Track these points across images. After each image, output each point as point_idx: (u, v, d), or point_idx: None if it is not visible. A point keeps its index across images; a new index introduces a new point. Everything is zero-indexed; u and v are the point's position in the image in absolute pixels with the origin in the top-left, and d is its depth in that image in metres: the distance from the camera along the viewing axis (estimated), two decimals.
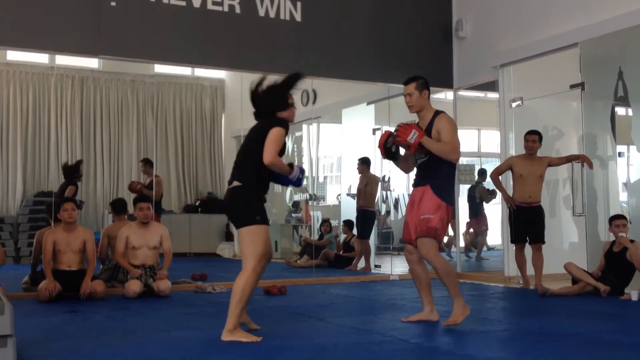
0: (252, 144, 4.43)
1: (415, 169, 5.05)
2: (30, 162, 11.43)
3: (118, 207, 8.07)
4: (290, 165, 4.50)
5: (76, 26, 7.03)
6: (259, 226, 4.32)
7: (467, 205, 10.54)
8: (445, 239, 11.99)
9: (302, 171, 4.56)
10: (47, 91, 11.63)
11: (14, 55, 11.05)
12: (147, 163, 9.60)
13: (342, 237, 10.75)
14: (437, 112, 4.94)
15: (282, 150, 4.41)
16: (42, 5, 6.89)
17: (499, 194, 8.11)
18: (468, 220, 10.73)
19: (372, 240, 10.09)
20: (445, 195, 4.83)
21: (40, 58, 11.31)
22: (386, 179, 10.61)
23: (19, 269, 8.95)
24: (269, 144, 4.29)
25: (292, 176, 4.45)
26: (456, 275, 4.75)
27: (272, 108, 4.50)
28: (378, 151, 5.18)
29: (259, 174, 4.39)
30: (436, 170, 4.84)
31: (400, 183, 11.42)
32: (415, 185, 5.00)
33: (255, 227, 4.31)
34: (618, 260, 6.40)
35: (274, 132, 4.31)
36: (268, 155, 4.28)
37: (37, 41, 7.01)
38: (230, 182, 4.50)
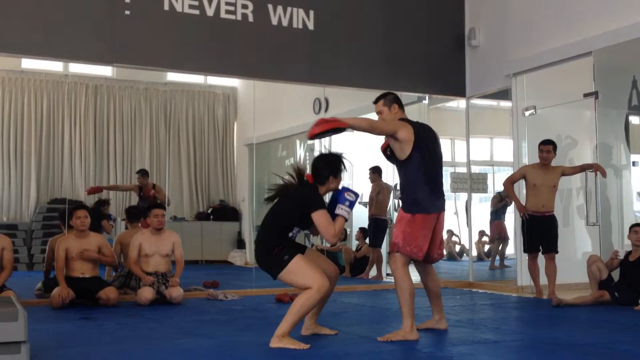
0: (280, 207, 4.57)
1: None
2: (44, 170, 11.51)
3: (132, 214, 8.11)
4: (338, 214, 4.51)
5: (90, 34, 7.08)
6: (291, 262, 4.35)
7: (484, 214, 10.59)
8: (457, 248, 12.03)
9: (344, 198, 4.53)
10: (61, 99, 11.71)
11: (29, 64, 11.15)
12: (144, 174, 9.66)
13: (355, 243, 10.76)
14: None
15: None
16: (56, 13, 6.94)
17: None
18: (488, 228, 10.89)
19: (384, 248, 10.07)
20: (408, 206, 4.70)
21: (54, 66, 11.40)
22: (398, 187, 10.59)
23: (32, 276, 9.01)
24: (325, 228, 4.37)
25: (348, 217, 4.52)
26: (412, 295, 4.59)
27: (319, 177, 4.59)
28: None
29: (279, 231, 4.49)
30: (404, 185, 4.78)
31: None
32: None
33: (288, 266, 4.35)
34: (633, 270, 6.35)
35: (322, 217, 4.39)
36: (330, 237, 4.41)
37: (52, 49, 7.06)
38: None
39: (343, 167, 4.69)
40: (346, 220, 4.53)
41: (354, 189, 4.65)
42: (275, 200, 4.64)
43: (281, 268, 4.37)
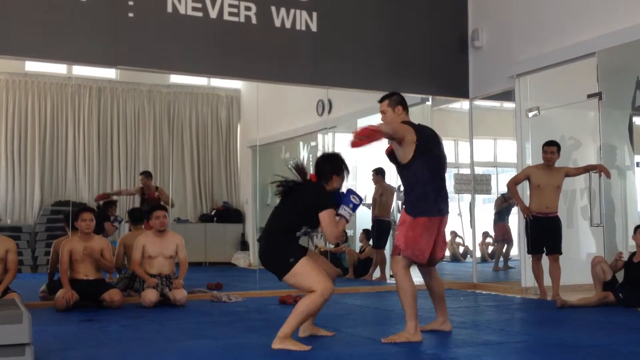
0: (289, 206, 4.56)
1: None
2: (48, 172, 11.52)
3: (135, 216, 8.12)
4: (341, 215, 4.50)
5: (94, 37, 7.09)
6: (297, 265, 4.35)
7: (487, 215, 10.60)
8: (461, 249, 12.02)
9: (349, 200, 4.53)
10: (64, 101, 11.73)
11: (32, 66, 11.18)
12: (147, 176, 9.70)
13: (359, 245, 10.75)
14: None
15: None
16: (59, 16, 6.95)
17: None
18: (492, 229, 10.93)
19: (388, 250, 10.06)
20: (413, 209, 4.68)
21: (58, 68, 11.42)
22: (401, 189, 10.58)
23: (36, 278, 9.03)
24: (330, 228, 4.38)
25: (349, 219, 4.52)
26: (414, 297, 4.62)
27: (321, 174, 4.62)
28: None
29: (288, 231, 4.50)
30: (407, 189, 4.80)
31: None
32: None
33: (294, 269, 4.35)
34: (638, 271, 6.33)
35: (329, 216, 4.39)
36: (333, 238, 4.50)
37: (55, 52, 7.07)
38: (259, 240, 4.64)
39: (345, 166, 4.69)
40: (347, 222, 4.53)
41: (358, 192, 4.66)
42: (282, 199, 4.63)
43: (286, 271, 4.37)
